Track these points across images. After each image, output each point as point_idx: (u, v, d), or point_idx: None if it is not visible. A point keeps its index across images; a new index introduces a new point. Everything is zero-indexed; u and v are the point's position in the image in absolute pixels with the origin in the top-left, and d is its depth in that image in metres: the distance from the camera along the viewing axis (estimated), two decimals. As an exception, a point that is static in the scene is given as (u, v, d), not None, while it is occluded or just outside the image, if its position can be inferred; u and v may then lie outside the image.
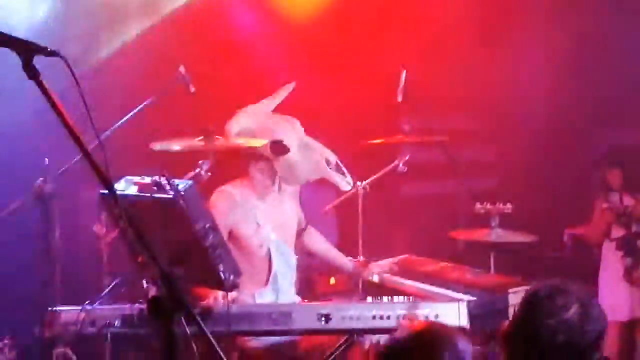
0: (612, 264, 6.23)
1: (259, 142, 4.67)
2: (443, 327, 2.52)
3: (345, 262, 5.11)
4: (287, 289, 4.80)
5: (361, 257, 5.13)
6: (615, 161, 6.26)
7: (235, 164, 4.88)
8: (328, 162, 4.84)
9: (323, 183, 5.05)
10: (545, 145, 7.00)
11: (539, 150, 6.95)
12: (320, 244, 5.16)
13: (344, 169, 4.89)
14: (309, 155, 4.79)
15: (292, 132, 4.78)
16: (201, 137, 4.54)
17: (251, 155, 4.75)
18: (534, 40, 6.85)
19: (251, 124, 4.77)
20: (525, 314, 2.55)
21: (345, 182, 4.89)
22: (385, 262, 5.09)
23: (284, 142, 4.71)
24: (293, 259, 4.88)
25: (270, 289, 4.72)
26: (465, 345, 2.35)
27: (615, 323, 5.86)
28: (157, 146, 4.58)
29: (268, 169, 4.76)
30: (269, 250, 4.73)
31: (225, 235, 4.58)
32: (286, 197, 4.92)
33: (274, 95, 4.95)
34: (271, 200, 4.82)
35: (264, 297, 4.68)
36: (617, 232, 6.18)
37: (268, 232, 4.73)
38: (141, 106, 4.87)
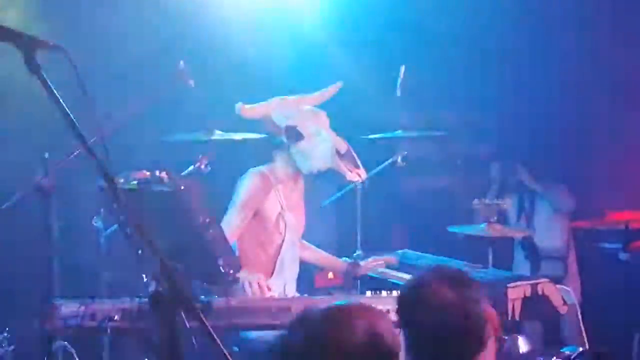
0: None
1: (255, 135, 4.72)
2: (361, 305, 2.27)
3: (339, 264, 5.13)
4: (292, 280, 4.84)
5: (360, 251, 5.13)
6: None
7: (235, 158, 4.90)
8: (339, 153, 4.86)
9: (321, 177, 5.06)
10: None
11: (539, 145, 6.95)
12: (311, 254, 5.18)
13: (357, 160, 4.90)
14: (320, 144, 4.81)
15: (308, 121, 4.81)
16: (201, 132, 4.56)
17: (279, 143, 4.81)
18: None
19: (271, 111, 4.81)
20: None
21: (354, 174, 4.90)
22: (377, 260, 5.07)
23: (298, 129, 4.74)
24: (297, 252, 4.92)
25: (279, 278, 4.75)
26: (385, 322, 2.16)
27: None
28: (158, 140, 4.59)
29: (288, 158, 4.82)
30: (284, 239, 4.79)
31: (250, 214, 4.65)
32: (298, 194, 4.96)
33: (318, 93, 4.98)
34: (290, 192, 4.88)
35: (272, 287, 4.70)
36: None
37: (289, 218, 4.81)
38: (142, 101, 4.87)
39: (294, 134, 4.76)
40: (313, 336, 2.07)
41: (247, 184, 4.73)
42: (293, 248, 4.89)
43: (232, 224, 4.63)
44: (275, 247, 4.82)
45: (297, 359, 2.07)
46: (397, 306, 2.48)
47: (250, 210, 4.70)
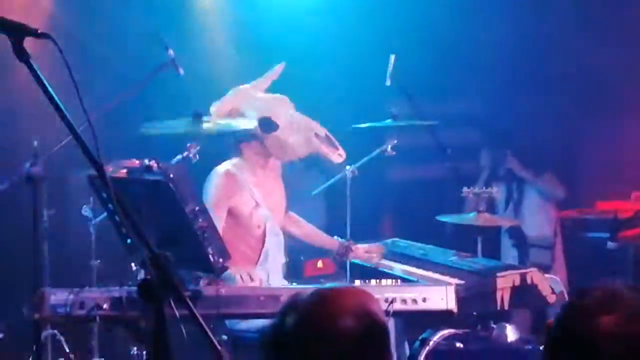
0: None
1: (250, 124, 4.68)
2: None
3: (329, 241, 5.11)
4: (276, 269, 4.83)
5: (350, 239, 5.13)
6: None
7: (224, 146, 4.88)
8: (318, 136, 4.85)
9: (311, 166, 5.06)
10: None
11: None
12: (301, 228, 5.17)
13: (335, 142, 4.89)
14: (298, 131, 4.80)
15: (280, 109, 4.79)
16: (190, 120, 4.55)
17: (244, 135, 4.75)
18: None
19: (239, 104, 4.78)
20: None
21: (336, 155, 4.90)
22: (371, 250, 5.07)
23: (272, 119, 4.73)
24: (282, 239, 4.91)
25: (261, 268, 4.73)
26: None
27: None
28: (146, 129, 4.58)
29: (260, 148, 4.78)
30: (264, 230, 4.77)
31: (224, 215, 4.62)
32: (273, 177, 4.94)
33: (265, 76, 4.96)
34: (264, 179, 4.85)
35: (255, 277, 4.69)
36: None
37: (265, 211, 4.77)
38: (130, 89, 4.86)
39: (268, 125, 4.73)
40: (304, 319, 2.07)
41: (213, 186, 4.67)
42: (276, 237, 4.86)
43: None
44: (256, 239, 4.77)
45: (290, 343, 2.07)
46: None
47: (222, 211, 4.61)
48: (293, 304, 2.12)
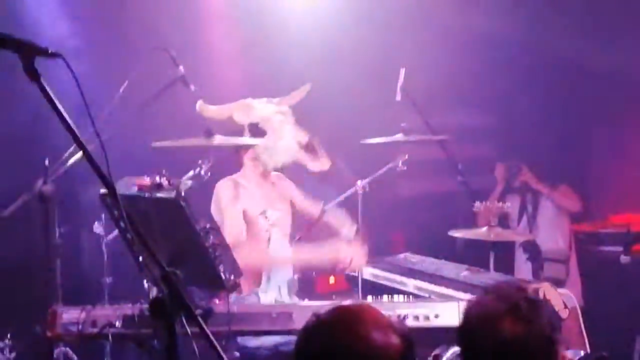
0: None
1: (258, 140, 4.70)
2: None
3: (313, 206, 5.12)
4: (284, 282, 4.80)
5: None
6: None
7: (235, 163, 4.89)
8: (300, 144, 4.86)
9: (323, 181, 5.05)
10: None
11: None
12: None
13: (318, 150, 4.90)
14: (283, 139, 4.81)
15: (272, 117, 4.81)
16: (202, 137, 4.55)
17: (243, 145, 4.80)
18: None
19: (233, 113, 4.81)
20: None
21: (317, 165, 4.90)
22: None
23: (260, 125, 4.76)
24: (289, 252, 4.89)
25: (270, 282, 4.72)
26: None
27: None
28: (157, 145, 4.59)
29: (256, 156, 4.81)
30: (270, 236, 4.75)
31: (240, 215, 4.64)
32: (277, 195, 4.94)
33: (291, 95, 4.96)
34: (268, 189, 4.88)
35: (265, 291, 4.68)
36: None
37: (273, 215, 4.78)
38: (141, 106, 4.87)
39: (257, 131, 4.76)
40: (330, 340, 2.07)
41: (217, 198, 4.70)
42: (282, 244, 4.83)
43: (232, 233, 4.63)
44: (262, 245, 4.75)
45: (322, 358, 2.06)
46: (458, 334, 2.42)
47: (237, 211, 4.63)
48: (318, 321, 2.11)
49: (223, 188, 4.73)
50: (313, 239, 4.98)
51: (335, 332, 2.07)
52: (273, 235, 4.78)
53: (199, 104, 4.78)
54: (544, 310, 2.37)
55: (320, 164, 4.91)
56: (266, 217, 4.75)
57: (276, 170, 4.93)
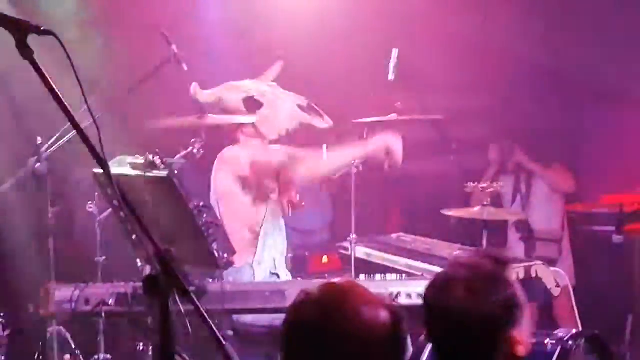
0: None
1: (250, 119, 4.70)
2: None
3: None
4: (280, 254, 4.80)
5: (354, 235, 5.11)
6: None
7: (229, 141, 4.89)
8: (301, 107, 4.86)
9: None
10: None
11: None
12: None
13: (319, 110, 4.91)
14: (282, 105, 4.81)
15: (263, 88, 4.82)
16: (195, 116, 4.55)
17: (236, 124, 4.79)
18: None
19: (223, 94, 4.80)
20: None
21: (322, 122, 4.92)
22: None
23: (255, 98, 4.75)
24: (283, 224, 4.88)
25: (264, 252, 4.72)
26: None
27: None
28: (150, 124, 4.59)
29: (253, 130, 4.79)
30: (266, 209, 4.74)
31: (242, 184, 4.64)
32: (272, 162, 4.93)
33: (265, 74, 4.97)
34: (264, 163, 4.86)
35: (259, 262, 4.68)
36: None
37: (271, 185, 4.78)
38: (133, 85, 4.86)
39: (253, 104, 4.75)
40: (327, 312, 2.07)
41: (232, 161, 4.71)
42: (277, 218, 4.82)
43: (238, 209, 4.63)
44: (259, 218, 4.75)
45: (313, 337, 2.06)
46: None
47: (242, 177, 4.65)
48: (307, 298, 2.12)
49: (232, 152, 4.74)
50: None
51: (324, 308, 2.07)
52: (268, 209, 4.76)
53: (194, 87, 4.76)
54: (503, 288, 2.33)
55: (325, 121, 4.92)
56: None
57: (280, 136, 4.92)
